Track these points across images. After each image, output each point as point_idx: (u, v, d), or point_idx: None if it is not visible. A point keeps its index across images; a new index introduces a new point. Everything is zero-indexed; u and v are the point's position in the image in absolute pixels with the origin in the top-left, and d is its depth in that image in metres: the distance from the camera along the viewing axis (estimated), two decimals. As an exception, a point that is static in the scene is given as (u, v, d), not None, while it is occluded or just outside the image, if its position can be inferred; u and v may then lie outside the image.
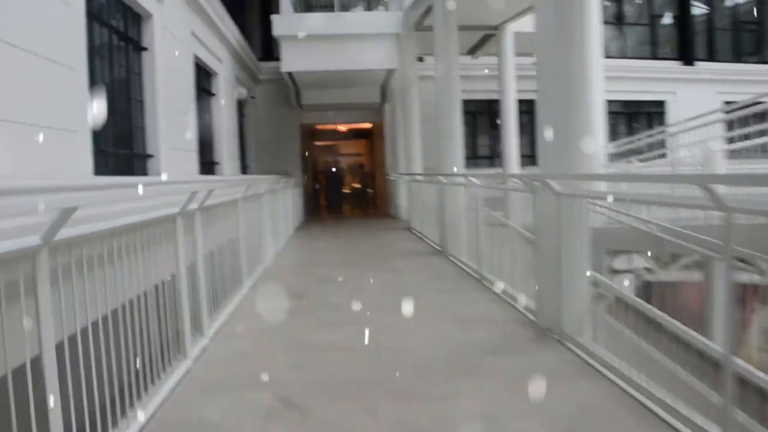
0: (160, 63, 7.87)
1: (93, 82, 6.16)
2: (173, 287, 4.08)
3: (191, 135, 9.38)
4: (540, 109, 4.83)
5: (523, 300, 5.34)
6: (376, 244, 10.69)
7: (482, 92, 17.71)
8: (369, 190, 22.87)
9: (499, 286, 6.04)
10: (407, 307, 5.49)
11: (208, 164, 11.25)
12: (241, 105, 15.58)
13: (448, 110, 9.08)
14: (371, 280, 7.06)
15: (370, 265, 8.23)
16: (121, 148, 7.04)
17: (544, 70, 4.86)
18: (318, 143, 25.29)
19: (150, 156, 7.68)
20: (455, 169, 8.93)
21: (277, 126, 17.33)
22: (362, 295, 6.23)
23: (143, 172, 7.57)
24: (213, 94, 11.78)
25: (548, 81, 4.75)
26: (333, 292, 6.52)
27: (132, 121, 7.42)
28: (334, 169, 24.06)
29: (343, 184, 23.08)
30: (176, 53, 8.59)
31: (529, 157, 18.95)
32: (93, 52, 6.18)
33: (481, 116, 18.69)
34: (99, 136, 6.22)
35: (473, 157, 18.44)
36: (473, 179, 6.94)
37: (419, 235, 11.42)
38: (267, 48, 16.75)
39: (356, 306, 5.73)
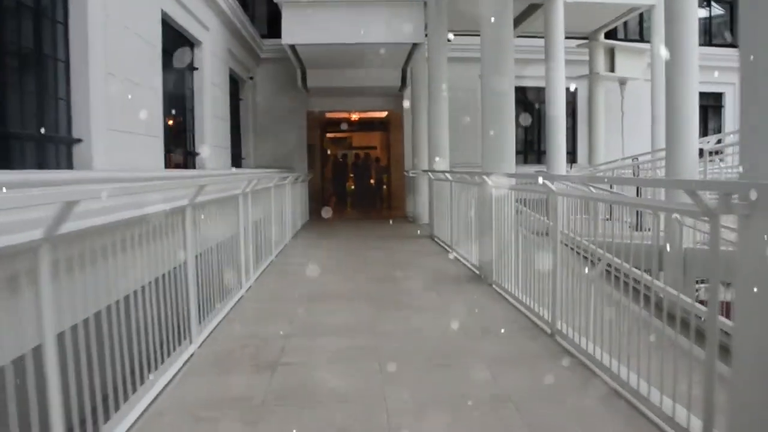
0: (96, 10, 5.58)
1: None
2: None
3: (152, 115, 7.07)
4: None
5: (659, 401, 2.98)
6: (392, 260, 8.35)
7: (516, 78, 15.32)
8: (384, 187, 20.56)
9: (599, 362, 3.68)
10: (445, 408, 3.17)
11: (181, 155, 8.97)
12: (236, 86, 13.29)
13: (498, 93, 6.68)
14: (384, 331, 4.74)
15: (384, 299, 5.91)
16: (20, 128, 4.76)
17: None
18: (329, 135, 22.98)
19: (77, 141, 5.39)
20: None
21: (281, 113, 14.99)
22: (367, 363, 3.92)
23: (64, 164, 5.30)
24: (194, 68, 9.48)
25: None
26: (322, 356, 4.17)
27: (47, 90, 5.15)
28: (342, 156, 21.68)
29: (370, 176, 20.40)
30: (126, 1, 6.29)
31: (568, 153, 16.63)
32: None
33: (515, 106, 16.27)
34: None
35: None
36: (568, 185, 4.55)
37: (446, 247, 9.08)
38: (273, 23, 14.44)
39: (355, 392, 3.43)
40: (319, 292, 6.23)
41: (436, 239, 10.16)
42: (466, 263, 7.65)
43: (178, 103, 9.01)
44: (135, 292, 3.36)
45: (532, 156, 16.28)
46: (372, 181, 20.95)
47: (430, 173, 10.53)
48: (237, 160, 13.03)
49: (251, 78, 13.99)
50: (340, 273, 7.38)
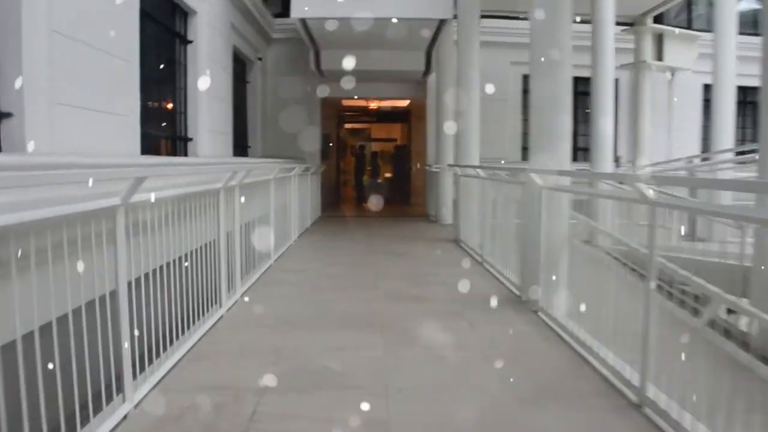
0: (36, -53, 4.30)
1: None
2: None
3: (124, 90, 5.79)
4: None
5: None
6: (411, 272, 7.00)
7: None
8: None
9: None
10: None
11: (169, 139, 7.70)
12: (243, 67, 12.02)
13: (552, 74, 5.29)
14: (400, 387, 3.41)
15: (400, 329, 4.58)
16: None
17: None
18: (346, 126, 21.69)
19: (5, 115, 4.12)
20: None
21: (293, 99, 13.66)
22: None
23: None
24: (188, 41, 8.20)
25: None
26: (308, 414, 2.89)
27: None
28: (360, 148, 20.37)
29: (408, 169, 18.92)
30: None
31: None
32: None
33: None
34: None
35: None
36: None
37: (475, 255, 7.73)
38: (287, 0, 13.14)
39: None
40: (318, 316, 4.90)
41: (462, 244, 8.82)
42: (501, 279, 6.30)
43: (167, 80, 7.74)
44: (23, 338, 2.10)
45: (580, 153, 14.85)
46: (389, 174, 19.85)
47: (456, 168, 9.18)
48: (241, 149, 11.76)
49: (260, 59, 12.69)
50: (347, 288, 6.06)
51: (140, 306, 3.21)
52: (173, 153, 7.80)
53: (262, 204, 6.91)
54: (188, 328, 4.04)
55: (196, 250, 4.33)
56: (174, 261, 3.82)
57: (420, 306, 5.22)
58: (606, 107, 9.88)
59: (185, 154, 8.15)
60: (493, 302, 5.41)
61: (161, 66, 7.48)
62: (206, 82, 8.43)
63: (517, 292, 5.62)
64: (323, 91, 14.05)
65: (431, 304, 5.26)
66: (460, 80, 9.72)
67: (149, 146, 6.88)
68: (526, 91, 14.37)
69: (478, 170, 7.39)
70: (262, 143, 12.95)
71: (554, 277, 4.80)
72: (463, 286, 6.07)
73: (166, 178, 4.23)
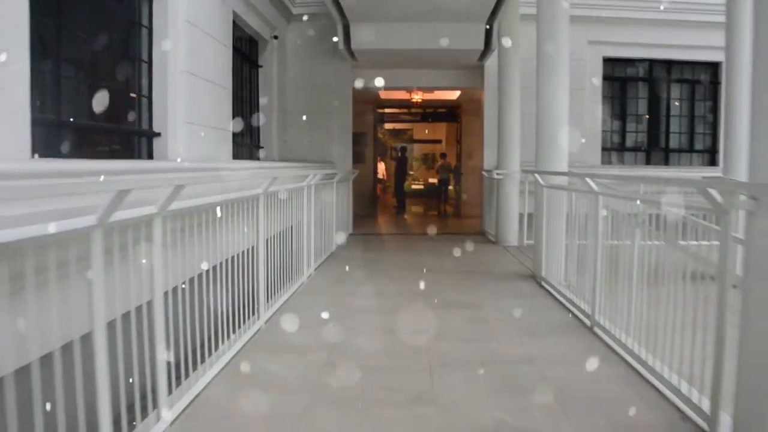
0: None
1: None
2: None
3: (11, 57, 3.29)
4: None
5: None
6: (483, 352, 4.24)
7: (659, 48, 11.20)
8: (450, 187, 16.70)
9: None
10: None
11: (110, 133, 5.22)
12: (252, 46, 9.54)
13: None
14: None
15: None
16: None
17: None
18: (385, 125, 19.10)
19: None
20: None
21: (318, 89, 11.07)
22: None
23: None
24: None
25: None
26: None
27: None
28: (401, 151, 17.85)
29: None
30: None
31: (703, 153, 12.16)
32: None
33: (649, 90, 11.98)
34: None
35: (632, 148, 11.90)
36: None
37: (573, 310, 5.07)
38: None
39: None
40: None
41: (546, 286, 6.14)
42: (644, 373, 3.59)
43: (115, 47, 5.28)
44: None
45: (673, 155, 12.00)
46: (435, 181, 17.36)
47: (537, 176, 6.45)
48: (249, 150, 9.27)
49: (275, 37, 10.15)
50: (376, 405, 3.39)
51: None
52: (125, 154, 5.33)
53: (239, 234, 4.37)
54: None
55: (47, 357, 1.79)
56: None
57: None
58: (740, 99, 7.05)
59: (149, 156, 5.67)
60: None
61: (100, 24, 5.01)
62: (183, 53, 5.95)
63: (691, 413, 2.92)
64: (356, 79, 11.45)
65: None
66: (541, 61, 6.89)
67: (65, 141, 4.40)
68: (607, 78, 11.58)
69: (588, 180, 4.65)
70: (278, 143, 10.42)
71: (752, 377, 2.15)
72: (581, 393, 3.40)
73: None
